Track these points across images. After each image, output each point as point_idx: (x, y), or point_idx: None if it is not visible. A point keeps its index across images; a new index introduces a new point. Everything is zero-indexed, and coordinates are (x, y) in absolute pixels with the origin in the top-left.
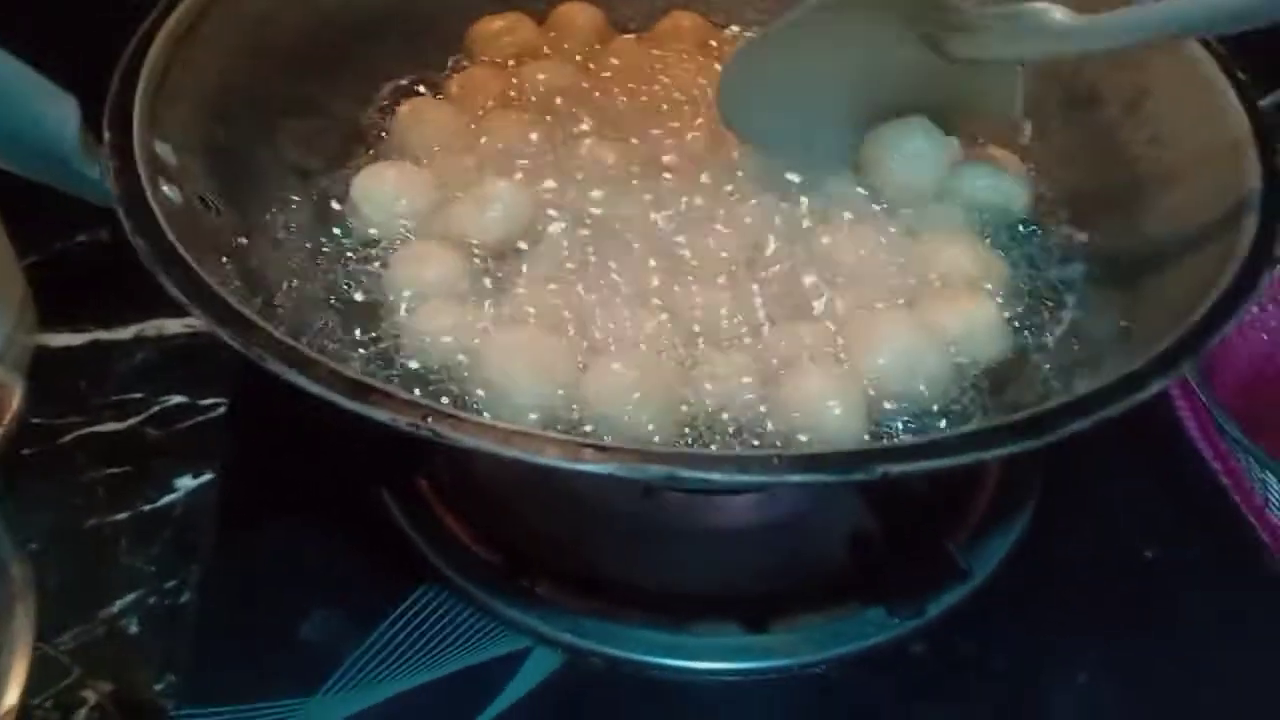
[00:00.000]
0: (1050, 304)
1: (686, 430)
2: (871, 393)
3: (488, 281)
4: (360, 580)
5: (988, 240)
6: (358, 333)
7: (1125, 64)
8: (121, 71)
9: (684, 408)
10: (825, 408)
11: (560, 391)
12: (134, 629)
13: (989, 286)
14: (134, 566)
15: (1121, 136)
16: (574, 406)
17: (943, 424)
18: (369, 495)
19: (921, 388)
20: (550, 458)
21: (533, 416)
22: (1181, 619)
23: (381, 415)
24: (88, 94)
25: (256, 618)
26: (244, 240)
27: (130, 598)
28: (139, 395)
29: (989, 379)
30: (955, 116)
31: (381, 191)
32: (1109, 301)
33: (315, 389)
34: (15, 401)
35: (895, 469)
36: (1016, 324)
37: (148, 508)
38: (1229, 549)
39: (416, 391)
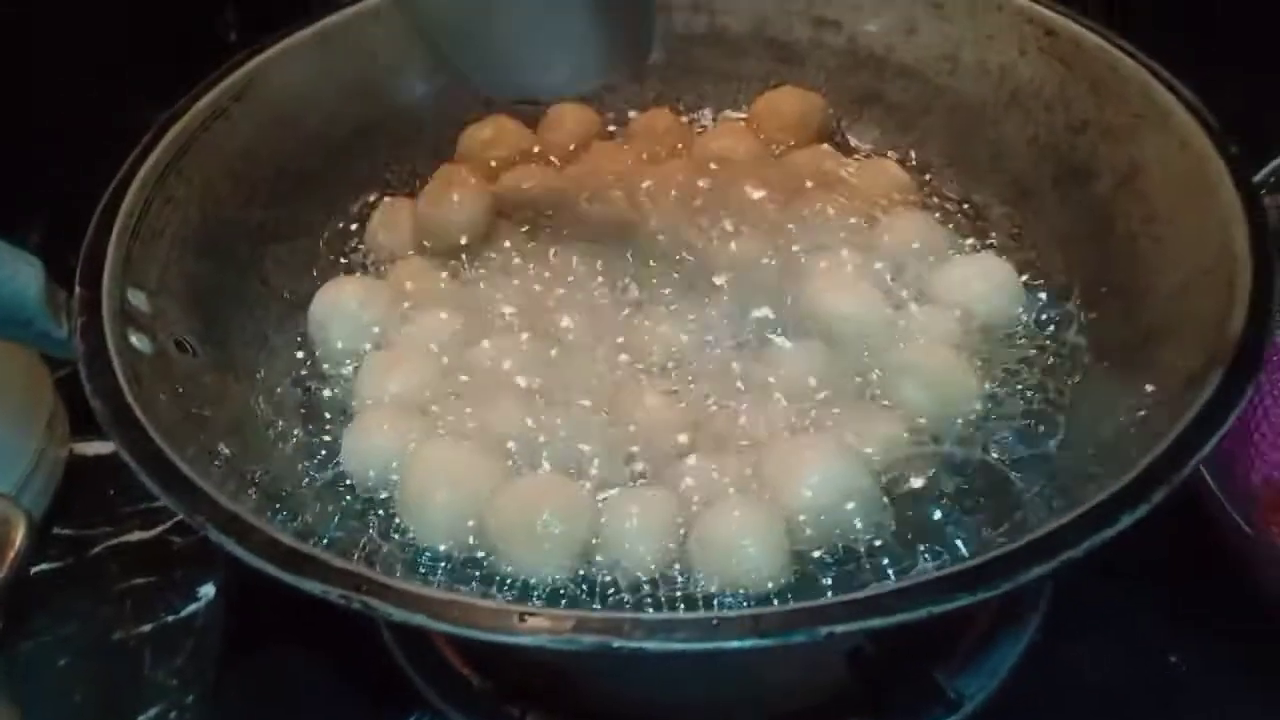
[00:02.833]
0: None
1: (588, 569)
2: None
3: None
4: (352, 710)
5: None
6: (320, 450)
7: (1119, 137)
8: (97, 219)
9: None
10: (741, 548)
11: (473, 519)
12: None
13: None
14: (157, 680)
15: (1116, 213)
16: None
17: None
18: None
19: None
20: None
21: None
22: None
23: (313, 588)
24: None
25: None
26: (220, 374)
27: (153, 712)
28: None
29: None
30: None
31: (341, 306)
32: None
33: (252, 561)
34: (19, 539)
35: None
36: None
37: (172, 618)
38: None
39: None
